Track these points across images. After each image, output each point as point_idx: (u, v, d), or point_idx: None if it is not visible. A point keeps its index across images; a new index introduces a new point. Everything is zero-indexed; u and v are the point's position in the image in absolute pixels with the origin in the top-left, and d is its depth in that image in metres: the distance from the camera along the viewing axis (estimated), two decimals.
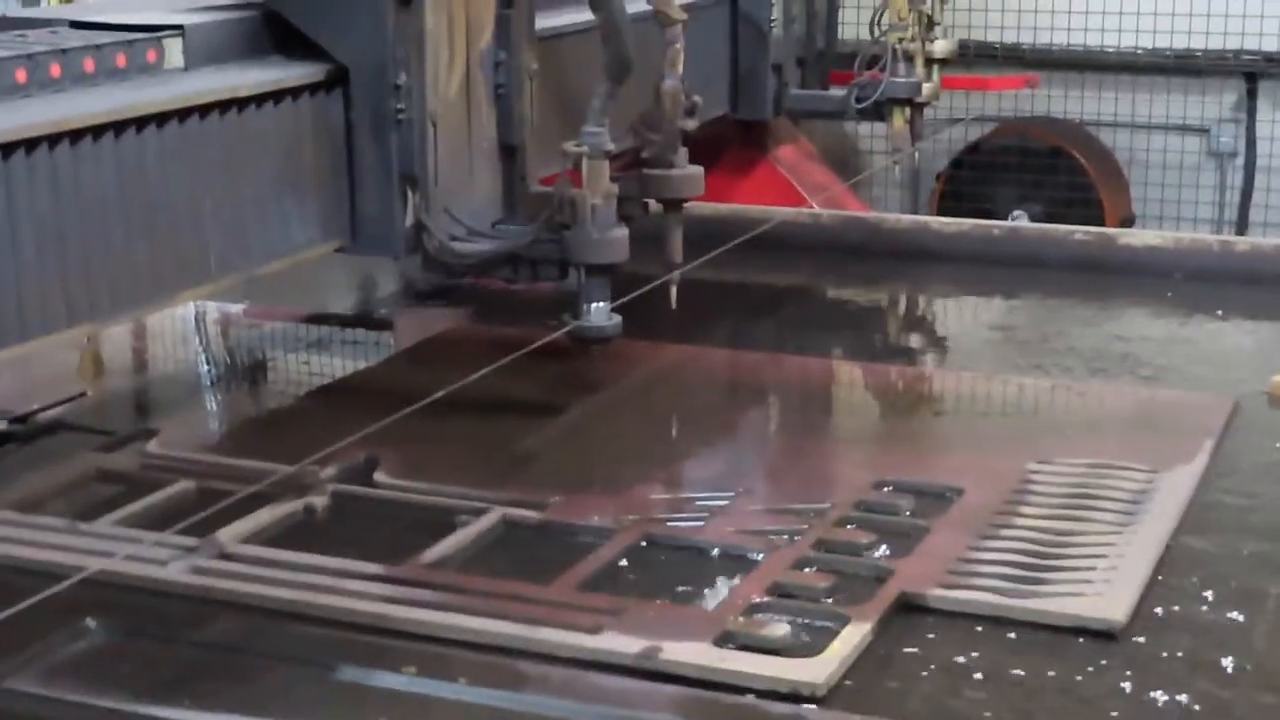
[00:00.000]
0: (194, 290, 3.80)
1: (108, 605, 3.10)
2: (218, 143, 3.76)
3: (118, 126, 3.47)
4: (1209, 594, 3.22)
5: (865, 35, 6.78)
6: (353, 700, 2.83)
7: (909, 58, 6.49)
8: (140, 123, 3.53)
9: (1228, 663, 2.94)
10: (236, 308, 5.26)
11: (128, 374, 4.87)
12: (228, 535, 3.39)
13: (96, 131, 3.43)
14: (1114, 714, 2.76)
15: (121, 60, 3.66)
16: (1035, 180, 8.09)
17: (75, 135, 3.38)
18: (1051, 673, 2.90)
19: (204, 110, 3.70)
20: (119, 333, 4.95)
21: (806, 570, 3.28)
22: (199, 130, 3.70)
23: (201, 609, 3.15)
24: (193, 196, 3.70)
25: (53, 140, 3.32)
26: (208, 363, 4.99)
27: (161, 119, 3.59)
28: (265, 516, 3.52)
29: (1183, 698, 2.80)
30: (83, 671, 2.91)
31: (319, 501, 3.63)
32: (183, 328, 5.17)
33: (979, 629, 3.07)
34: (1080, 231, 5.72)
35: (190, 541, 3.33)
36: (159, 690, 2.83)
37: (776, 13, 6.44)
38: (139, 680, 2.86)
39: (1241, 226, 8.16)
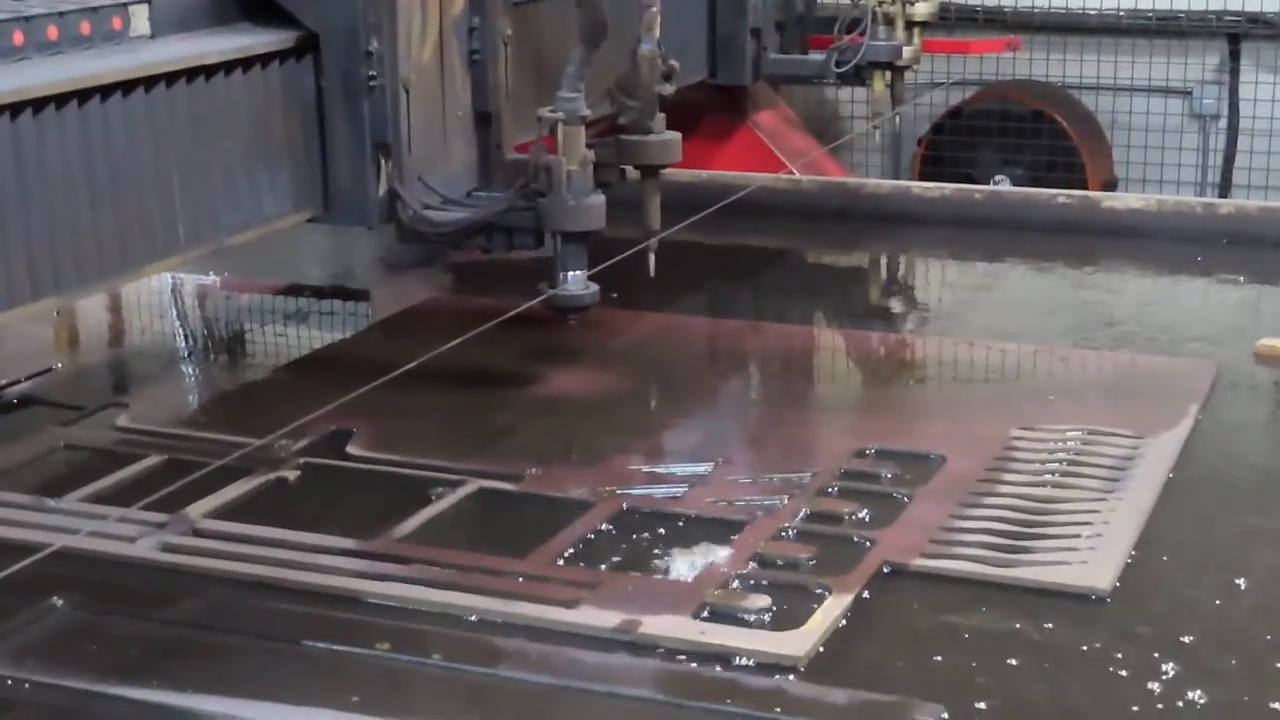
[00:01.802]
0: (162, 262, 3.73)
1: (75, 583, 3.05)
2: (185, 112, 3.68)
3: (82, 95, 3.40)
4: (1194, 559, 3.19)
5: None
6: (325, 678, 2.77)
7: (889, 21, 6.41)
8: (105, 91, 3.46)
9: (1211, 628, 2.90)
10: (212, 279, 5.20)
11: (101, 347, 4.81)
12: (198, 511, 3.34)
13: (60, 100, 3.36)
14: (1099, 680, 2.71)
15: (86, 27, 3.58)
16: (1017, 144, 8.02)
17: (38, 104, 3.30)
18: (1036, 640, 2.85)
19: (171, 78, 3.63)
20: (94, 305, 4.90)
21: (787, 540, 3.23)
22: (166, 99, 3.63)
23: (171, 586, 3.10)
24: (160, 167, 3.63)
25: (14, 110, 3.25)
26: (182, 335, 4.93)
27: (127, 87, 3.52)
28: (236, 491, 3.46)
29: (1167, 663, 2.76)
30: (50, 651, 2.85)
31: (291, 475, 3.58)
32: (158, 300, 5.10)
33: (962, 598, 3.03)
34: (1063, 195, 5.67)
35: (160, 517, 3.28)
36: (127, 670, 2.77)
37: None
38: (107, 660, 2.81)
39: (1225, 189, 8.11)
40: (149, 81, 3.57)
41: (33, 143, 3.30)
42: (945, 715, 2.61)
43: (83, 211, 3.44)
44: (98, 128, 3.46)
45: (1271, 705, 2.64)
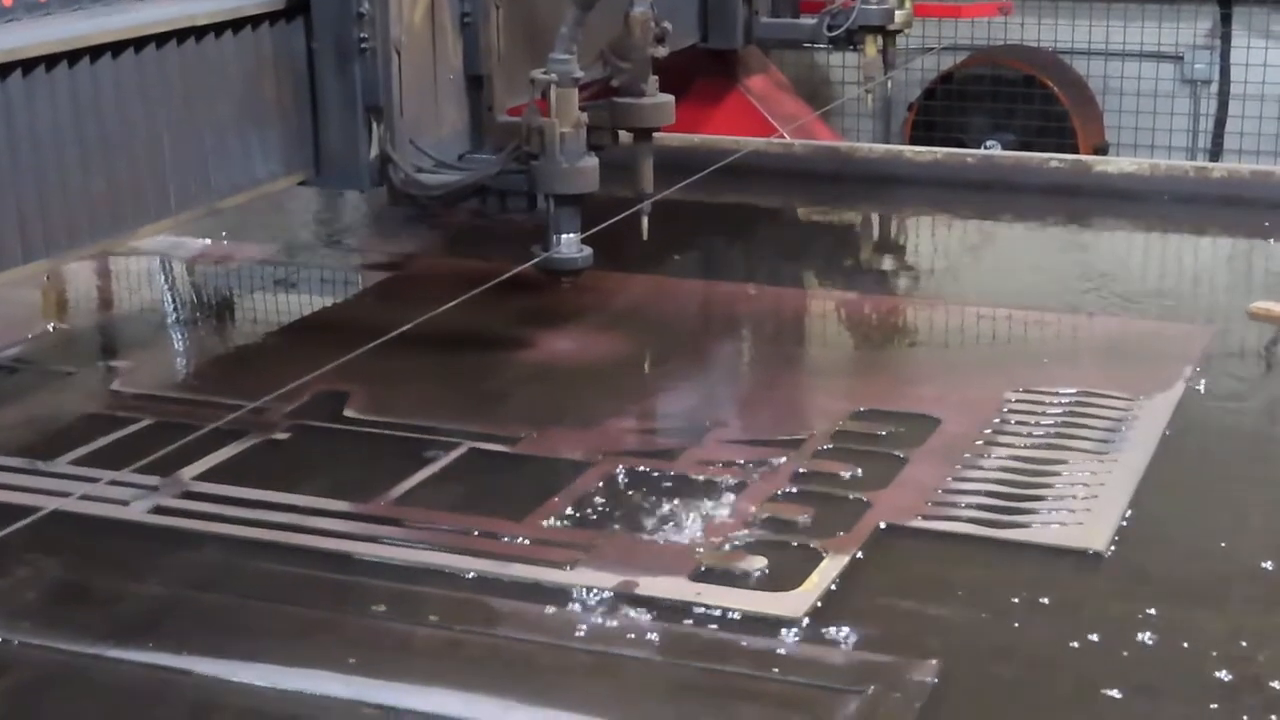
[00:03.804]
0: (153, 225, 3.71)
1: (69, 546, 3.04)
2: (176, 73, 3.67)
3: (72, 56, 3.39)
4: (1189, 518, 3.19)
5: None
6: (322, 640, 2.77)
7: None
8: (95, 52, 3.45)
9: (1207, 587, 2.91)
10: (201, 243, 5.17)
11: (90, 311, 4.78)
12: (191, 473, 3.33)
13: (50, 61, 3.34)
14: (1096, 638, 2.71)
15: None
16: (1008, 109, 8.01)
17: (28, 65, 3.29)
18: (1034, 600, 2.85)
19: (161, 39, 3.62)
20: (83, 269, 4.88)
21: (784, 502, 3.23)
22: (156, 60, 3.61)
23: (164, 548, 3.08)
24: (150, 129, 3.62)
25: (4, 71, 3.23)
26: (172, 300, 4.90)
27: (117, 48, 3.50)
28: (229, 453, 3.45)
29: (1164, 621, 2.76)
30: (44, 614, 2.84)
31: (285, 437, 3.57)
32: (148, 264, 5.08)
33: (959, 559, 3.03)
34: (1056, 159, 5.66)
35: (153, 480, 3.27)
36: (123, 632, 2.77)
37: None
38: (101, 623, 2.80)
39: (1215, 154, 8.10)
40: (139, 42, 3.56)
41: (22, 104, 3.28)
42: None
43: (73, 173, 3.42)
44: (87, 89, 3.44)
45: (1270, 658, 2.65)
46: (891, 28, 6.41)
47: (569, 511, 3.20)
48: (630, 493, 3.29)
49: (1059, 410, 3.65)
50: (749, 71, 6.90)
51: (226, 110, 3.83)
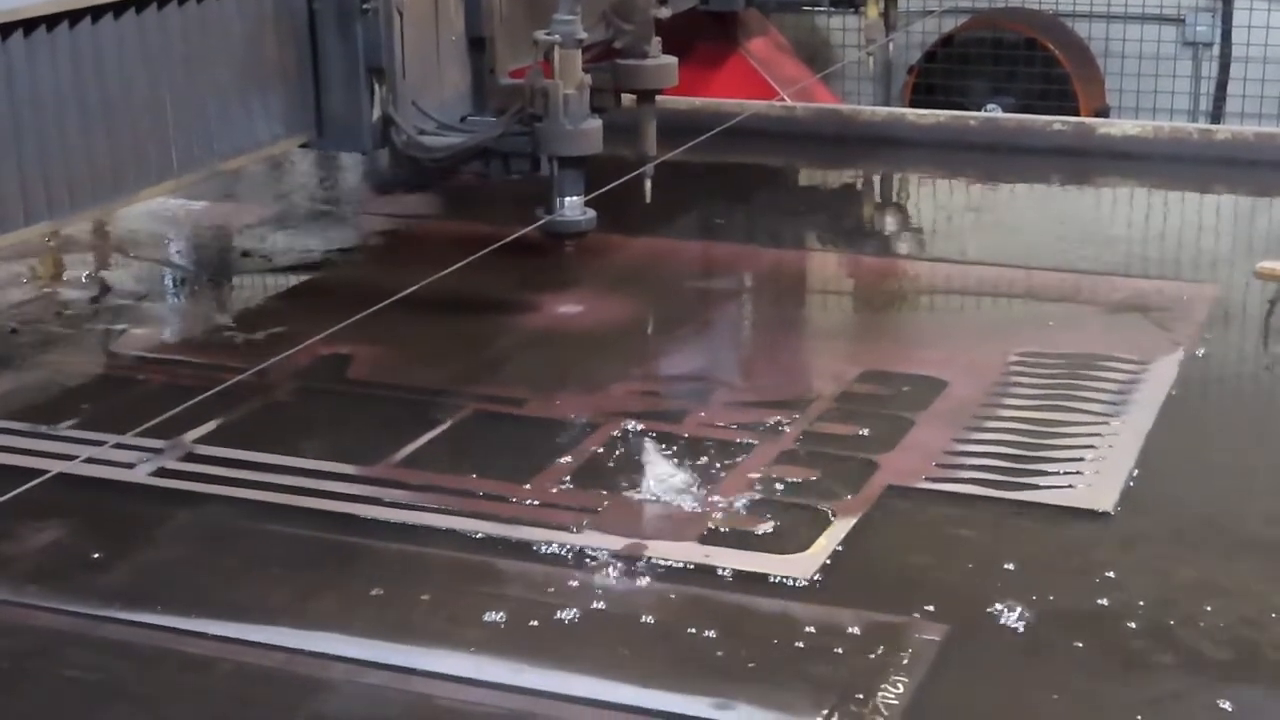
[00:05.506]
0: (156, 187, 3.69)
1: (75, 509, 3.04)
2: (177, 34, 3.63)
3: (73, 17, 3.35)
4: (1194, 479, 3.20)
5: None
6: (328, 602, 2.76)
7: None
8: (97, 12, 3.41)
9: (1215, 546, 2.91)
10: (200, 205, 5.15)
11: (92, 273, 4.76)
12: (195, 436, 3.32)
13: (51, 22, 3.31)
14: (1106, 602, 2.71)
15: None
16: (1009, 72, 7.98)
17: (29, 26, 3.26)
18: (1040, 562, 2.84)
19: (162, 0, 3.58)
20: (83, 232, 4.86)
21: (791, 464, 3.22)
22: (157, 21, 3.57)
23: (170, 512, 3.08)
24: (153, 90, 3.59)
25: (5, 31, 3.20)
26: (172, 262, 4.88)
27: (119, 9, 3.47)
28: (233, 416, 3.44)
29: (1169, 582, 2.76)
30: (51, 577, 2.84)
31: (288, 400, 3.56)
32: (149, 226, 5.05)
33: (966, 521, 3.02)
34: (1059, 121, 5.64)
35: (157, 443, 3.26)
36: (129, 595, 2.76)
37: None
38: (108, 586, 2.80)
39: (1216, 117, 8.07)
40: (140, 3, 3.52)
41: (24, 65, 3.25)
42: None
43: (75, 135, 3.39)
44: (89, 50, 3.41)
45: (1273, 616, 2.65)
46: None
47: (576, 473, 3.19)
48: (637, 455, 3.28)
49: (1064, 372, 3.64)
50: (749, 34, 6.87)
51: (228, 72, 3.80)
